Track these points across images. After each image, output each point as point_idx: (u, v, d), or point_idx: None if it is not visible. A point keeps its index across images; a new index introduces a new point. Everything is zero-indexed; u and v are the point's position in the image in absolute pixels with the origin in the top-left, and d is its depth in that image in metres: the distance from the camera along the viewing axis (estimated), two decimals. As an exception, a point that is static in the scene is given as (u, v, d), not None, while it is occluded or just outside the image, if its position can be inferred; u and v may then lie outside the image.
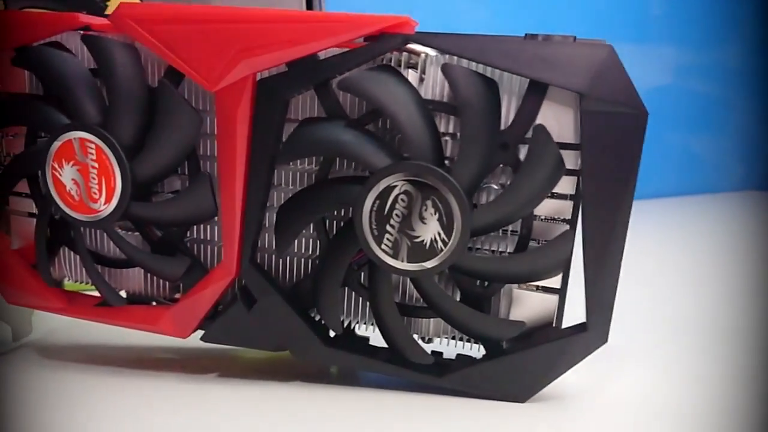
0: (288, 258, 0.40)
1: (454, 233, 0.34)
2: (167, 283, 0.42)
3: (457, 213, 0.34)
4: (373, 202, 0.35)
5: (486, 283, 0.38)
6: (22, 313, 0.48)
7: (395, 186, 0.34)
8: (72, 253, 0.44)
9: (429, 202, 0.34)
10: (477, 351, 0.39)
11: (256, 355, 0.44)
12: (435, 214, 0.34)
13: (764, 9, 1.22)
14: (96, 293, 0.43)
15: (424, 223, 0.35)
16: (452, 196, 0.34)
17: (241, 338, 0.40)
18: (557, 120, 0.34)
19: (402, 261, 0.35)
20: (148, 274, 0.42)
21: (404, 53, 0.36)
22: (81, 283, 0.44)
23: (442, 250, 0.35)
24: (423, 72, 0.36)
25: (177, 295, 0.43)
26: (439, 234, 0.35)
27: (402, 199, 0.35)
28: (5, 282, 0.43)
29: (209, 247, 0.41)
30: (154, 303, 0.43)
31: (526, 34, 0.35)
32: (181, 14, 0.36)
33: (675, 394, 0.39)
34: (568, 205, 0.36)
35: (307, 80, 0.36)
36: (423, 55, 0.36)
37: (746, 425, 0.35)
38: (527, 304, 0.37)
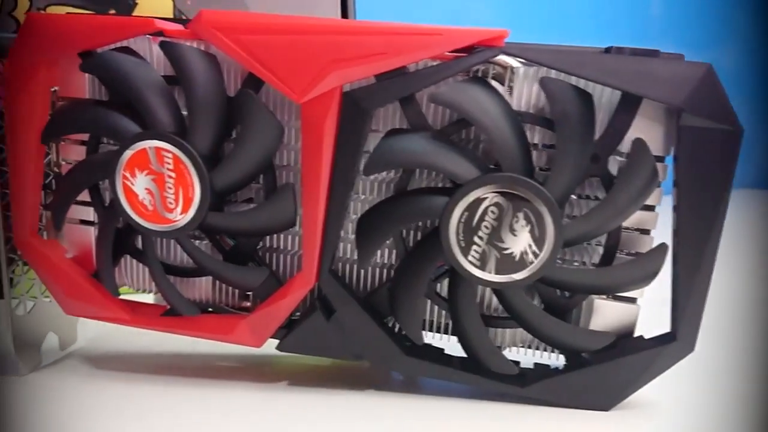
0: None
1: (546, 245, 0.35)
2: (236, 291, 0.42)
3: (549, 225, 0.34)
4: (462, 214, 0.35)
5: (568, 294, 0.38)
6: (69, 321, 0.47)
7: (485, 198, 0.35)
8: (133, 261, 0.43)
9: (520, 214, 0.35)
10: (550, 359, 0.40)
11: (320, 362, 0.44)
12: (527, 226, 0.35)
13: (761, 11, 1.24)
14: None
15: (515, 235, 0.35)
16: (546, 209, 0.34)
17: (319, 348, 0.40)
18: (647, 133, 0.35)
19: (490, 273, 0.35)
20: (217, 283, 0.42)
21: (489, 65, 0.36)
22: (143, 291, 0.44)
23: (532, 262, 0.35)
24: (510, 83, 0.36)
25: (245, 304, 0.42)
26: (530, 246, 0.35)
27: (492, 211, 0.35)
28: (64, 292, 0.42)
29: (281, 256, 0.41)
30: (210, 310, 0.43)
31: (611, 47, 0.36)
32: (269, 24, 0.36)
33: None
34: (652, 216, 0.36)
35: (395, 93, 0.35)
36: (509, 67, 0.36)
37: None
38: (608, 314, 0.38)
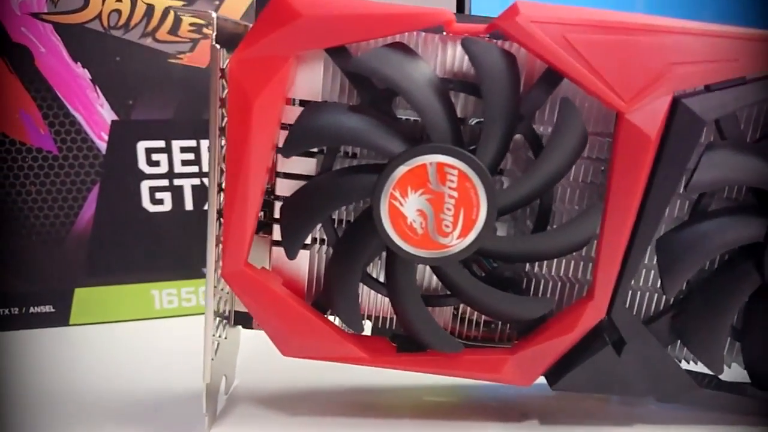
0: (638, 291, 0.36)
1: None
2: (481, 322, 0.37)
3: None
4: (801, 237, 0.32)
5: None
6: (233, 360, 0.41)
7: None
8: (364, 289, 0.37)
9: None
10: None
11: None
12: None
13: (761, 9, 1.28)
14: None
15: None
16: None
17: (605, 385, 0.35)
18: None
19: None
20: (459, 312, 0.37)
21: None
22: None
23: None
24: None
25: (491, 335, 0.37)
26: None
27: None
28: (289, 330, 0.35)
29: (540, 282, 0.36)
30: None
31: None
32: (598, 21, 0.31)
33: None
34: None
35: (734, 103, 0.32)
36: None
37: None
38: None
